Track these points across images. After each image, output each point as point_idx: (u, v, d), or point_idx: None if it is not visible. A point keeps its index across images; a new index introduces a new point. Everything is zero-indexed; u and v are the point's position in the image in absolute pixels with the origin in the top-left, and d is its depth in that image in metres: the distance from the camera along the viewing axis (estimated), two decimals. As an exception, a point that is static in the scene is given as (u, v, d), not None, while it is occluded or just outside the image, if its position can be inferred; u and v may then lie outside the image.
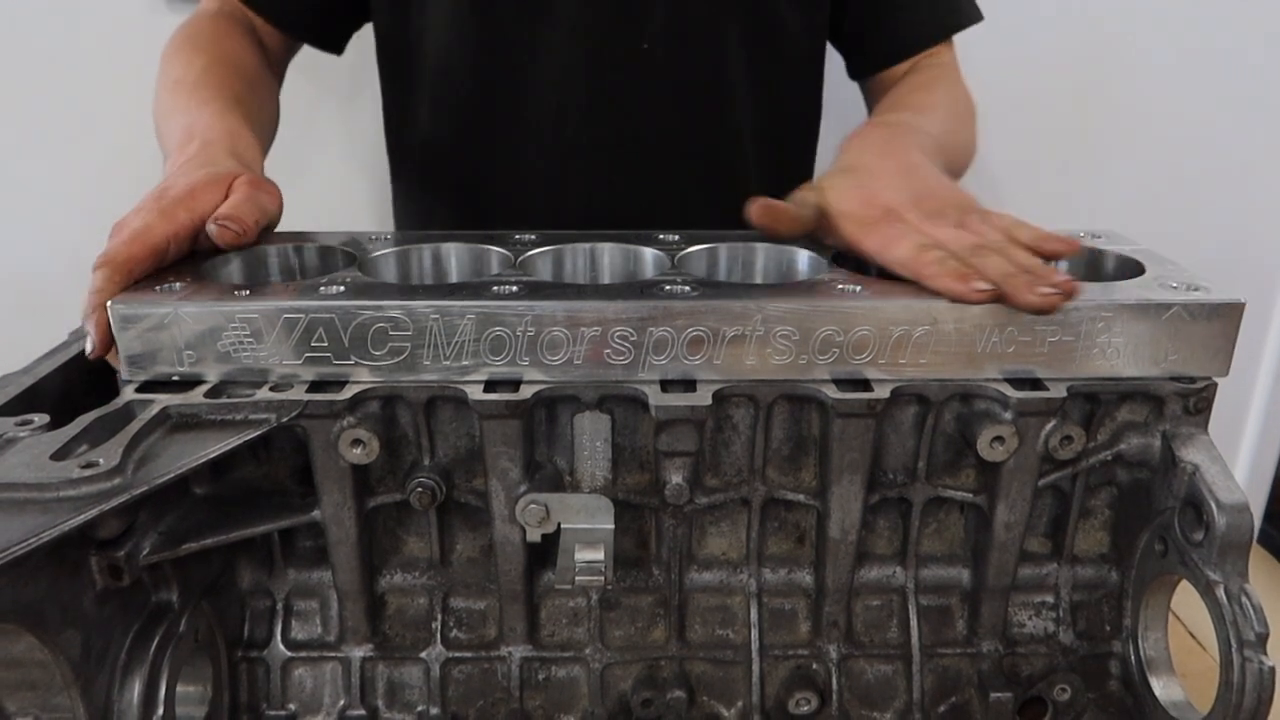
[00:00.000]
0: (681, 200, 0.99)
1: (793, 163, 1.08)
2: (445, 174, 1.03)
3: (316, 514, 0.60)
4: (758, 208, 0.69)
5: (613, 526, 0.57)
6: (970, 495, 0.62)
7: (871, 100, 1.07)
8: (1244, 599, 0.53)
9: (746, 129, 1.01)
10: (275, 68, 1.01)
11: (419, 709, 0.65)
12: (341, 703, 0.64)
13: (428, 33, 0.96)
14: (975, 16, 1.03)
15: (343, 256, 0.69)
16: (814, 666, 0.65)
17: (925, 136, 0.81)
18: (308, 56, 1.07)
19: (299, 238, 0.72)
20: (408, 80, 1.00)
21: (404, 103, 1.02)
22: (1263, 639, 0.52)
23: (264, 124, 0.91)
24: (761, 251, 0.72)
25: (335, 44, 1.03)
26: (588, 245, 0.71)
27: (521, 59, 0.94)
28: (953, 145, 0.89)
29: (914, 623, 0.65)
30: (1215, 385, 0.59)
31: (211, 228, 0.64)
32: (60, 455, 0.49)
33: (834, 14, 1.02)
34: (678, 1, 0.93)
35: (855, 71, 1.08)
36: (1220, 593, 0.54)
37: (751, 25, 0.97)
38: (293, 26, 1.00)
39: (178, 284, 0.59)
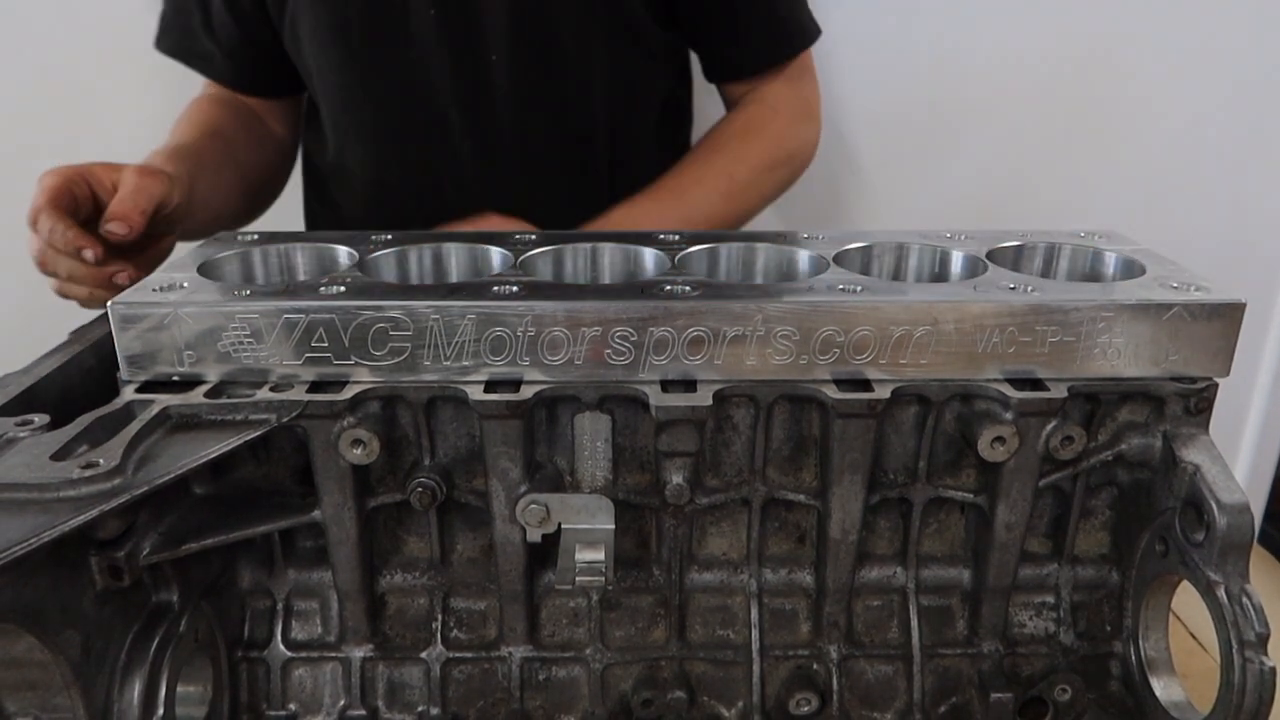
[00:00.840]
0: (546, 201, 1.04)
1: (657, 161, 1.11)
2: (333, 184, 1.14)
3: (317, 514, 0.60)
4: None
5: (613, 527, 0.57)
6: (971, 495, 0.62)
7: (725, 101, 1.16)
8: (1245, 599, 0.53)
9: (601, 129, 1.07)
10: (271, 125, 1.14)
11: (419, 709, 0.65)
12: (342, 703, 0.64)
13: (309, 62, 1.05)
14: (809, 39, 1.10)
15: (343, 256, 0.69)
16: (814, 667, 0.65)
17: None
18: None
19: (299, 238, 0.72)
20: (311, 102, 1.12)
21: (309, 119, 1.14)
22: (1263, 639, 0.52)
23: (221, 152, 1.03)
24: (762, 251, 0.71)
25: (287, 91, 1.13)
26: (588, 245, 0.71)
27: (381, 80, 1.03)
28: (722, 215, 1.05)
29: (914, 623, 0.65)
30: (1216, 385, 0.59)
31: (105, 228, 0.78)
32: (60, 455, 0.49)
33: (687, 25, 1.09)
34: (517, 11, 0.98)
35: (708, 76, 1.15)
36: (1221, 593, 0.54)
37: (596, 30, 1.02)
38: (239, 85, 1.11)
39: (178, 284, 0.59)
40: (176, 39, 1.09)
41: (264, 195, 1.13)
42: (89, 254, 0.79)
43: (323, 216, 1.17)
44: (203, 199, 0.92)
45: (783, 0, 1.08)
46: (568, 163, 1.07)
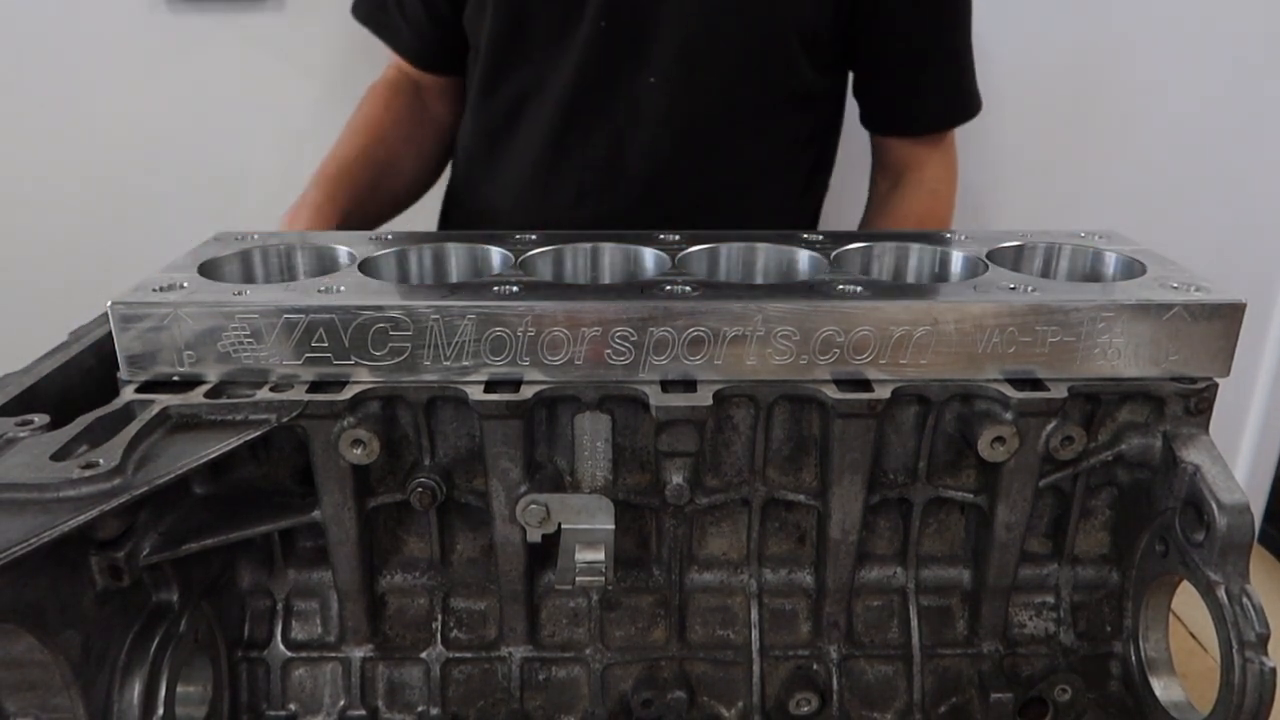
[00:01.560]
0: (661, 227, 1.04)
1: (790, 197, 1.13)
2: (472, 186, 1.15)
3: (317, 514, 0.60)
4: None
5: (613, 527, 0.57)
6: (971, 496, 0.62)
7: (875, 151, 1.17)
8: (1245, 599, 0.53)
9: (746, 167, 1.07)
10: (439, 107, 1.18)
11: (419, 709, 0.65)
12: (341, 703, 0.64)
13: (480, 54, 1.08)
14: (976, 109, 1.13)
15: (342, 256, 0.69)
16: (814, 667, 0.65)
17: None
18: (307, 56, 1.08)
19: (299, 238, 0.72)
20: (468, 97, 1.14)
21: (465, 115, 1.16)
22: (1264, 639, 0.52)
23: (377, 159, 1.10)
24: (762, 251, 0.72)
25: (456, 68, 1.16)
26: (588, 245, 0.71)
27: (536, 75, 1.04)
28: None
29: (914, 623, 0.65)
30: (1216, 385, 0.59)
31: None
32: (60, 455, 0.49)
33: (862, 74, 1.11)
34: (683, 39, 0.99)
35: (866, 123, 1.16)
36: (1221, 593, 0.54)
37: (753, 68, 1.03)
38: (420, 61, 1.14)
39: (178, 284, 0.59)
40: (371, 10, 1.14)
41: (416, 195, 1.18)
42: None
43: (461, 209, 1.19)
44: (355, 219, 1.00)
45: (968, 65, 1.10)
46: (703, 190, 1.07)
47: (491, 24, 1.02)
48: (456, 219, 1.17)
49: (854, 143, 1.38)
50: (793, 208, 1.13)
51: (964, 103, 1.11)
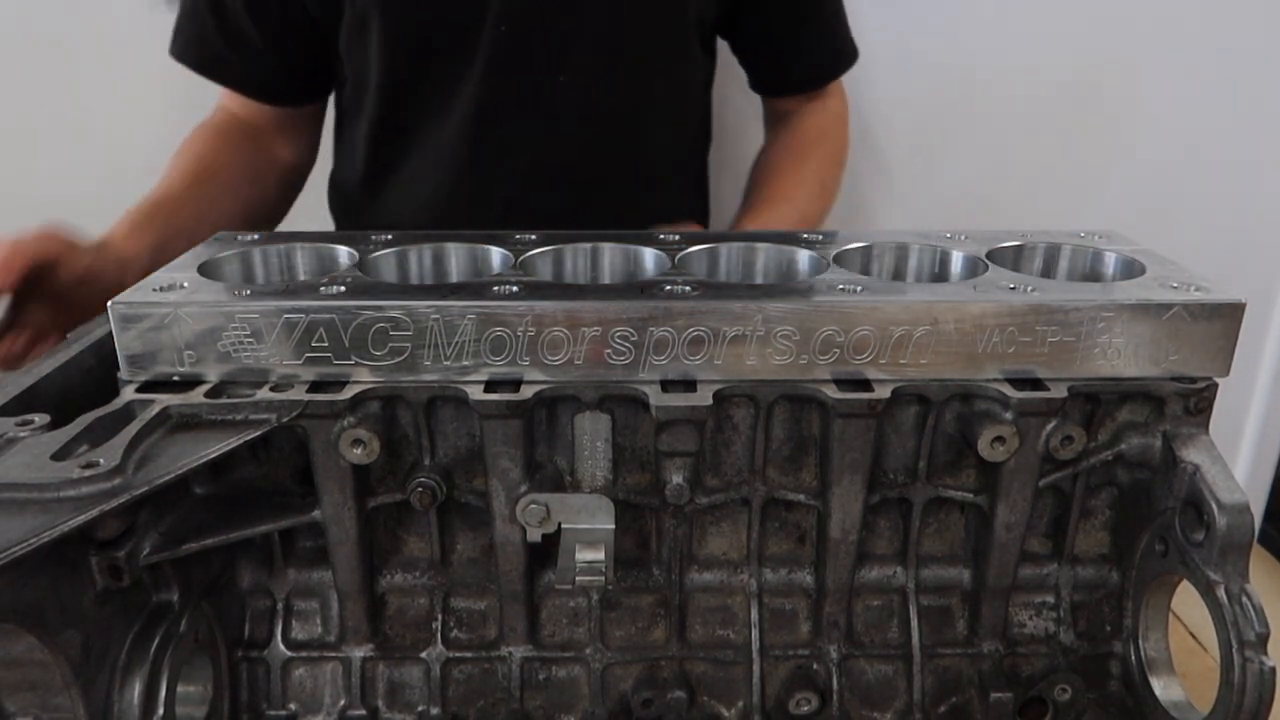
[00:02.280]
0: (591, 220, 1.03)
1: (693, 177, 1.17)
2: (371, 213, 1.11)
3: (317, 514, 0.60)
4: None
5: (613, 526, 0.57)
6: (971, 495, 0.62)
7: (767, 113, 1.21)
8: (1244, 599, 0.53)
9: (655, 149, 1.09)
10: (278, 150, 1.11)
11: (419, 709, 0.65)
12: (342, 703, 0.64)
13: (369, 81, 1.03)
14: (853, 58, 1.17)
15: (343, 256, 0.69)
16: (814, 666, 0.65)
17: None
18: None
19: (299, 238, 0.72)
20: (355, 112, 1.09)
21: (349, 133, 1.12)
22: (1263, 639, 0.52)
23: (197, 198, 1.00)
24: (762, 251, 0.72)
25: (320, 93, 1.11)
26: (588, 245, 0.71)
27: (439, 89, 1.01)
28: (805, 221, 1.09)
29: (914, 623, 0.65)
30: (1216, 385, 0.59)
31: None
32: (60, 455, 0.49)
33: (745, 42, 1.14)
34: (593, 35, 0.99)
35: (755, 87, 1.19)
36: (1221, 593, 0.54)
37: (662, 57, 1.04)
38: (257, 92, 1.08)
39: (178, 284, 0.59)
40: (190, 46, 1.05)
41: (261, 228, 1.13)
42: None
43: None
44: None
45: (841, 18, 1.14)
46: (622, 182, 1.08)
47: (381, 46, 0.99)
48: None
49: (858, 143, 1.38)
50: (695, 193, 1.17)
51: (842, 53, 1.16)
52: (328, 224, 1.23)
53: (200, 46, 1.05)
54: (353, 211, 1.14)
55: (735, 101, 1.28)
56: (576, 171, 1.05)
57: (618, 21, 1.00)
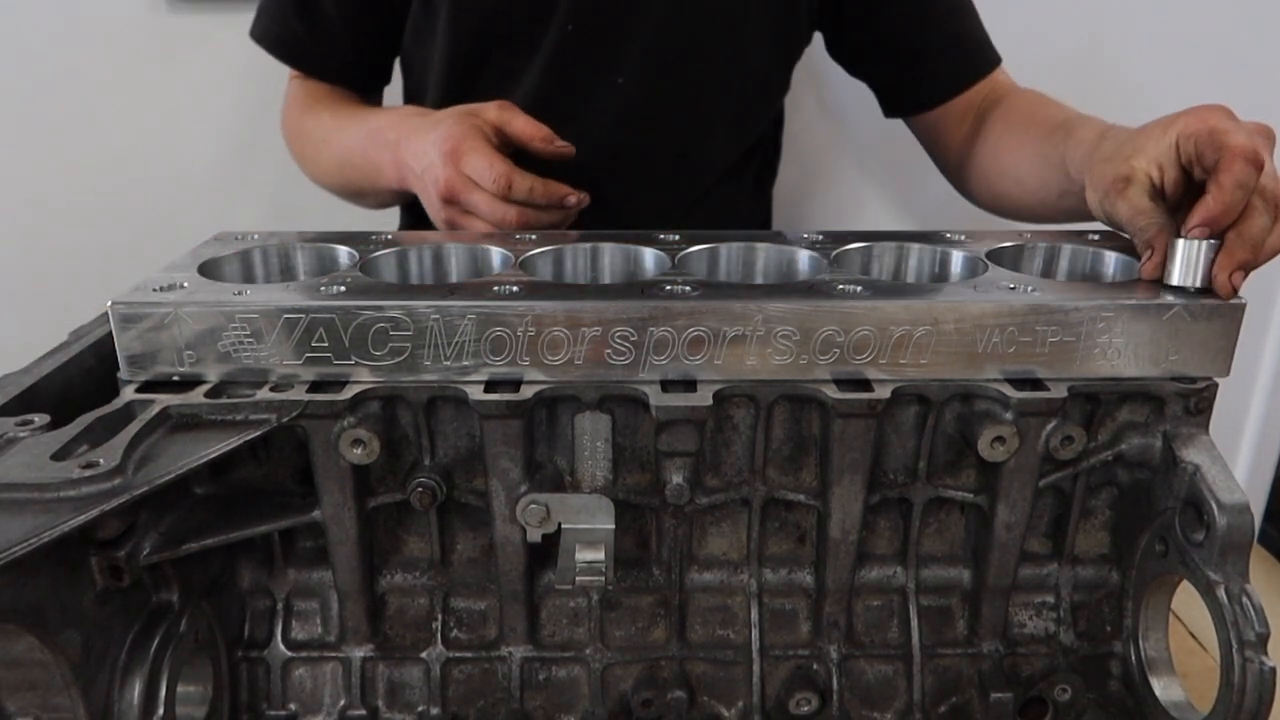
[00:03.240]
0: (646, 224, 1.03)
1: (750, 188, 1.13)
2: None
3: (317, 514, 0.60)
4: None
5: (613, 526, 0.57)
6: (971, 495, 0.62)
7: (927, 135, 1.10)
8: (1244, 599, 0.53)
9: (717, 165, 1.06)
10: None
11: (419, 709, 0.65)
12: (342, 703, 0.64)
13: (432, 66, 1.03)
14: (995, 58, 1.07)
15: (343, 256, 0.69)
16: (814, 667, 0.65)
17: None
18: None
19: (299, 237, 0.72)
20: (418, 101, 1.08)
21: None
22: (1263, 639, 0.52)
23: None
24: (762, 251, 0.72)
25: (379, 83, 1.11)
26: (588, 245, 0.71)
27: (503, 85, 1.00)
28: None
29: (914, 623, 0.65)
30: (1216, 385, 0.59)
31: (555, 146, 0.85)
32: (60, 455, 0.49)
33: (862, 63, 1.09)
34: (654, 40, 0.98)
35: (895, 109, 1.11)
36: (1221, 593, 0.54)
37: (725, 65, 1.02)
38: (341, 80, 1.08)
39: (178, 284, 0.59)
40: (271, 28, 1.05)
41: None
42: (573, 199, 0.82)
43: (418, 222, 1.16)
44: None
45: (972, 13, 1.06)
46: (674, 187, 1.06)
47: (447, 32, 0.99)
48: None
49: (858, 143, 1.38)
50: (753, 204, 1.13)
51: (980, 52, 1.06)
52: (334, 223, 1.22)
53: (281, 28, 1.05)
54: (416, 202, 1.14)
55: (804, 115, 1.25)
56: (629, 174, 1.04)
57: (674, 29, 0.99)
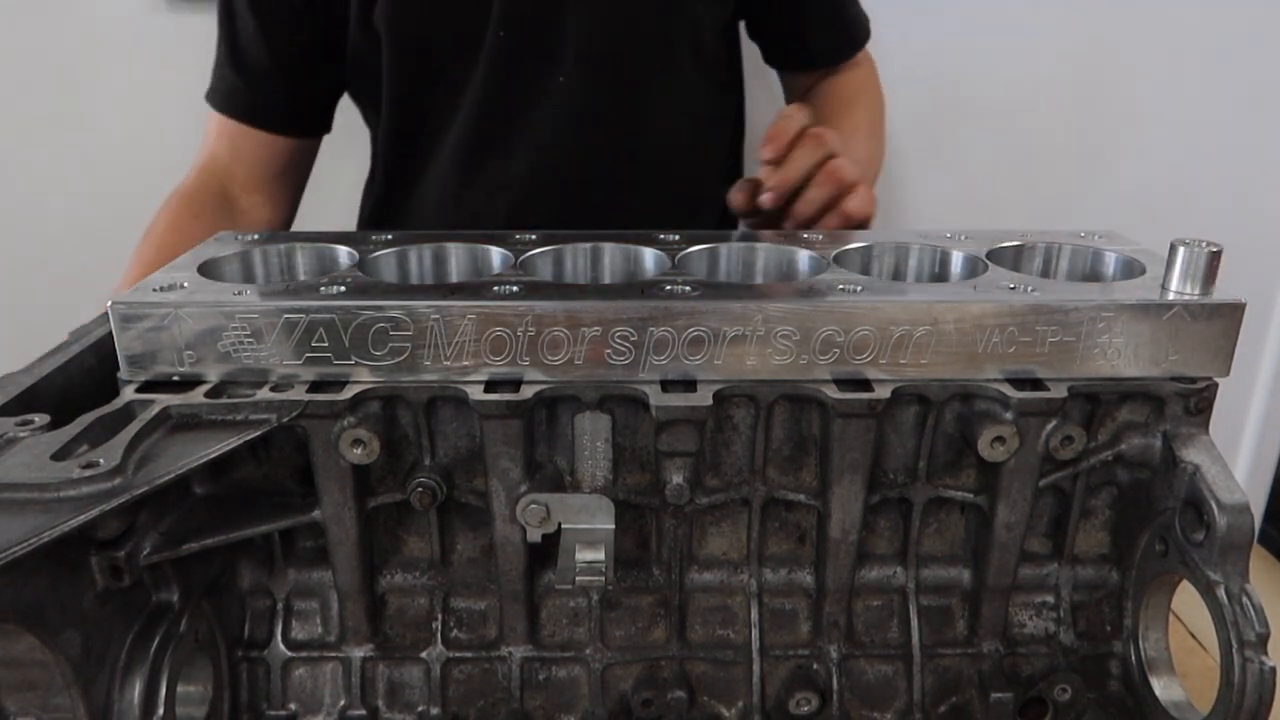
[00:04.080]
0: (600, 222, 1.04)
1: (710, 179, 1.14)
2: (395, 207, 1.13)
3: (317, 514, 0.60)
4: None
5: (613, 526, 0.57)
6: (971, 495, 0.62)
7: (788, 88, 1.21)
8: (1244, 599, 0.53)
9: (664, 152, 1.08)
10: (256, 212, 1.10)
11: (419, 709, 0.65)
12: (342, 703, 0.64)
13: (380, 91, 1.05)
14: (865, 36, 1.18)
15: (343, 256, 0.69)
16: (814, 666, 0.65)
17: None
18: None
19: (299, 238, 0.72)
20: (373, 129, 1.11)
21: (373, 149, 1.14)
22: (1263, 639, 0.52)
23: None
24: (762, 251, 0.72)
25: (321, 127, 1.13)
26: (588, 245, 0.71)
27: (446, 96, 1.03)
28: (870, 163, 1.11)
29: (914, 623, 0.65)
30: (1216, 385, 0.59)
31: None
32: (60, 455, 0.49)
33: (753, 20, 1.14)
34: (587, 34, 0.99)
35: (771, 63, 1.20)
36: (1221, 593, 0.54)
37: (663, 46, 1.04)
38: (281, 127, 1.08)
39: (178, 284, 0.59)
40: (228, 98, 1.07)
41: None
42: None
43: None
44: None
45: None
46: (627, 183, 1.08)
47: (391, 60, 1.00)
48: None
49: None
50: (720, 190, 1.14)
51: (856, 27, 1.17)
52: (334, 223, 1.23)
53: (219, 81, 1.06)
54: (382, 223, 1.15)
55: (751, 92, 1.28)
56: (580, 172, 1.05)
57: (607, 23, 1.00)
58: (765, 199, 0.82)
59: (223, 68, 1.06)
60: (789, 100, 1.21)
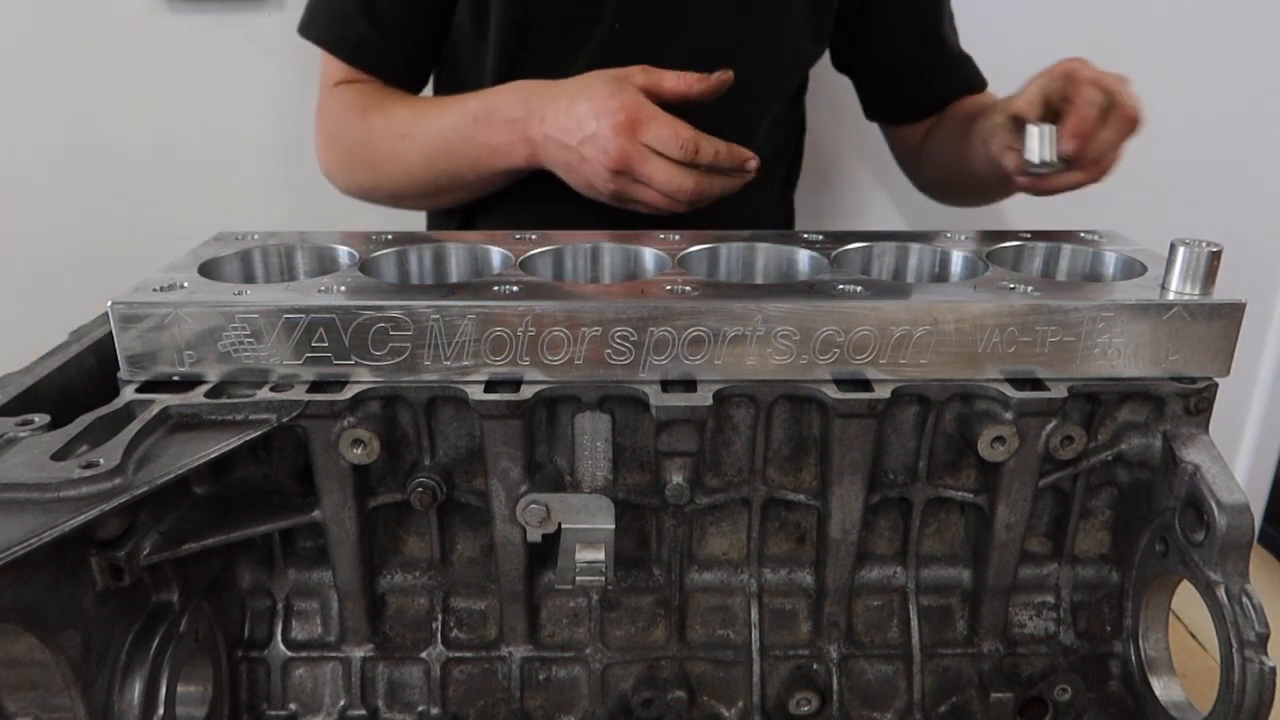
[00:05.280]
0: (686, 222, 1.03)
1: (782, 192, 1.17)
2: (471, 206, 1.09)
3: (317, 514, 0.60)
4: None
5: (613, 526, 0.57)
6: (971, 495, 0.62)
7: (900, 142, 1.19)
8: (1244, 599, 0.53)
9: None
10: None
11: (419, 709, 0.65)
12: (342, 703, 0.64)
13: (479, 62, 1.03)
14: (982, 81, 1.14)
15: (343, 256, 0.69)
16: (814, 666, 0.65)
17: None
18: (307, 56, 1.07)
19: (299, 238, 0.72)
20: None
21: None
22: (1263, 639, 0.52)
23: None
24: (762, 251, 0.72)
25: (423, 86, 1.11)
26: (588, 245, 0.71)
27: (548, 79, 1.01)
28: None
29: (914, 623, 0.65)
30: (1216, 385, 0.59)
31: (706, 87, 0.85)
32: (61, 455, 0.49)
33: (865, 70, 1.14)
34: (697, 43, 0.98)
35: (875, 117, 1.19)
36: (1221, 593, 0.54)
37: (767, 63, 1.03)
38: (403, 80, 1.06)
39: (178, 284, 0.59)
40: (331, 26, 1.03)
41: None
42: (753, 163, 0.83)
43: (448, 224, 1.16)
44: None
45: (956, 44, 1.13)
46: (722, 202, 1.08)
47: (497, 35, 0.99)
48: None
49: (859, 143, 1.38)
50: (779, 206, 1.16)
51: (970, 70, 1.13)
52: (334, 223, 1.22)
53: (346, 29, 1.03)
54: (474, 217, 1.12)
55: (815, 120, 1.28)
56: None
57: (721, 27, 0.99)
58: (1068, 148, 0.81)
59: (354, 17, 1.02)
60: (898, 153, 1.19)
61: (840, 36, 1.10)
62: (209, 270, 0.64)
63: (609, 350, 0.57)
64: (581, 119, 0.82)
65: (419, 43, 1.06)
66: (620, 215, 0.92)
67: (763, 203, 1.11)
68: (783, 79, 1.06)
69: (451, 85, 1.09)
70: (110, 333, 0.57)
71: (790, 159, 1.17)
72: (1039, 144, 0.80)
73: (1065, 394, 0.57)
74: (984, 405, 0.59)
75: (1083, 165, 0.84)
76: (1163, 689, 0.61)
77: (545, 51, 1.00)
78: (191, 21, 1.30)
